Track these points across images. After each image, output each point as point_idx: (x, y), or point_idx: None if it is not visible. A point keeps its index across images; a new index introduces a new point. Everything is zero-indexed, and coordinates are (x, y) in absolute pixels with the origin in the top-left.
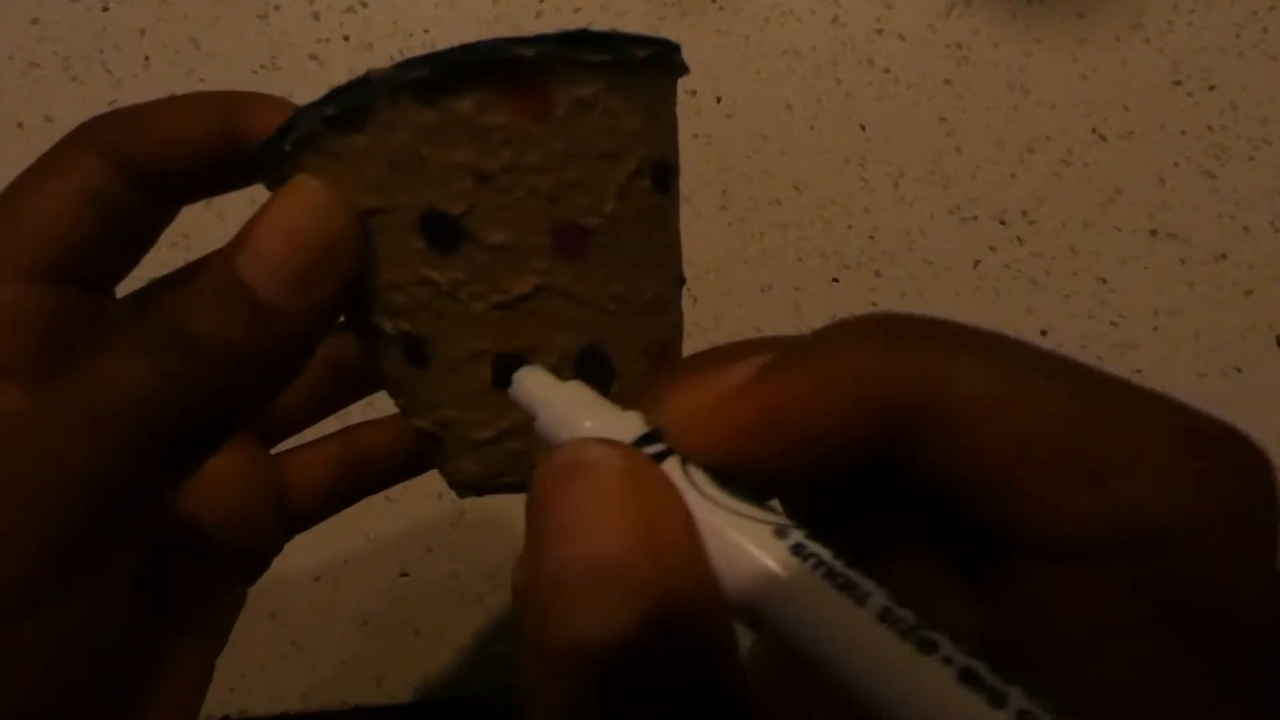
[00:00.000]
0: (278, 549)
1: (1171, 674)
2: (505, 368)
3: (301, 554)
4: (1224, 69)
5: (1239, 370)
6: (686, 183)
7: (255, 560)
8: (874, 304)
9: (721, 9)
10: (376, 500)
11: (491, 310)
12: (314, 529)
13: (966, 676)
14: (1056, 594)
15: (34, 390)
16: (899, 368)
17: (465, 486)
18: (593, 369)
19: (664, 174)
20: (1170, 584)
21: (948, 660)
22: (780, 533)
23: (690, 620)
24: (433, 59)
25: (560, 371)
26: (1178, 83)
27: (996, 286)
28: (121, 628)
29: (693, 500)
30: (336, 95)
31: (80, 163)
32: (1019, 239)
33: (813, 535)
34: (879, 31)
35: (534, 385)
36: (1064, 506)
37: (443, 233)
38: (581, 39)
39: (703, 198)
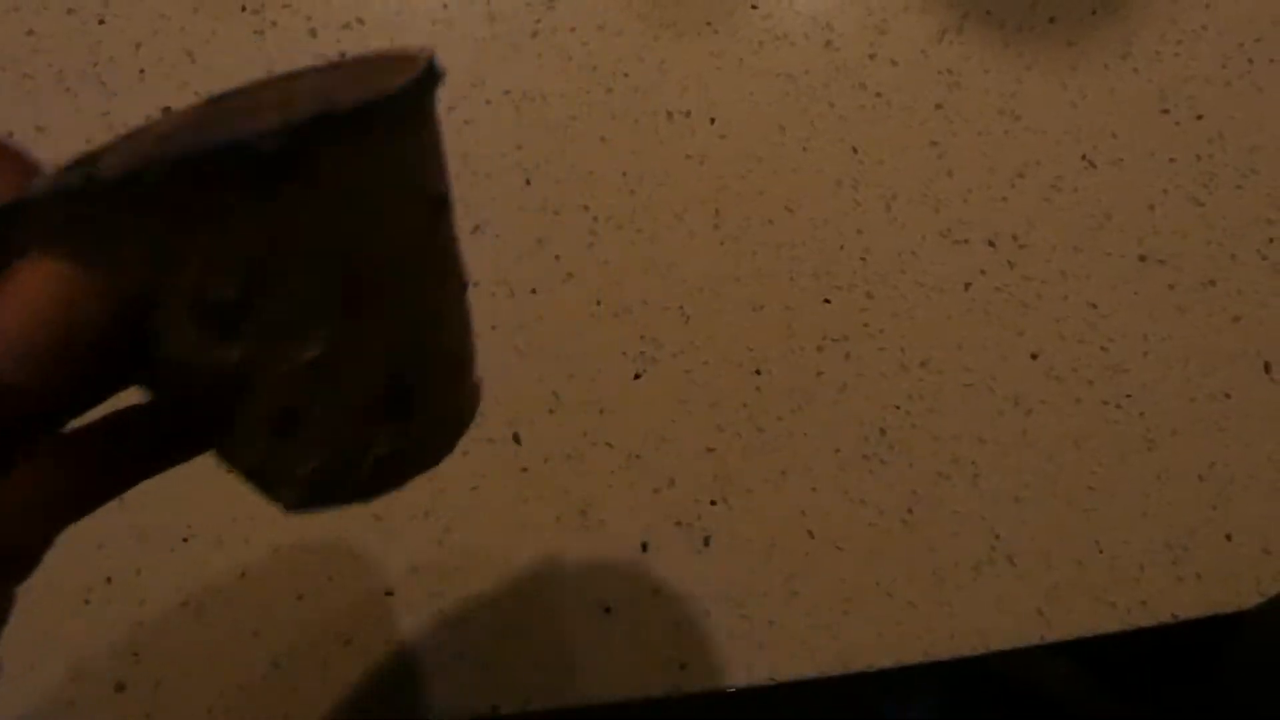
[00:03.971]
0: (46, 546)
1: None
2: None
3: (284, 571)
4: (1211, 99)
5: (1228, 396)
6: (680, 201)
7: (17, 561)
8: (865, 324)
9: (717, 32)
10: (362, 518)
11: (281, 378)
12: (298, 546)
13: None
14: None
15: None
16: None
17: (292, 510)
18: (398, 399)
19: (438, 204)
20: None
21: None
22: None
23: None
24: (175, 162)
25: (371, 411)
26: (1166, 111)
27: (987, 309)
28: None
29: None
30: (70, 197)
31: None
32: (1010, 262)
33: None
34: (872, 56)
35: None
36: None
37: (219, 316)
38: (326, 120)
39: (696, 217)
